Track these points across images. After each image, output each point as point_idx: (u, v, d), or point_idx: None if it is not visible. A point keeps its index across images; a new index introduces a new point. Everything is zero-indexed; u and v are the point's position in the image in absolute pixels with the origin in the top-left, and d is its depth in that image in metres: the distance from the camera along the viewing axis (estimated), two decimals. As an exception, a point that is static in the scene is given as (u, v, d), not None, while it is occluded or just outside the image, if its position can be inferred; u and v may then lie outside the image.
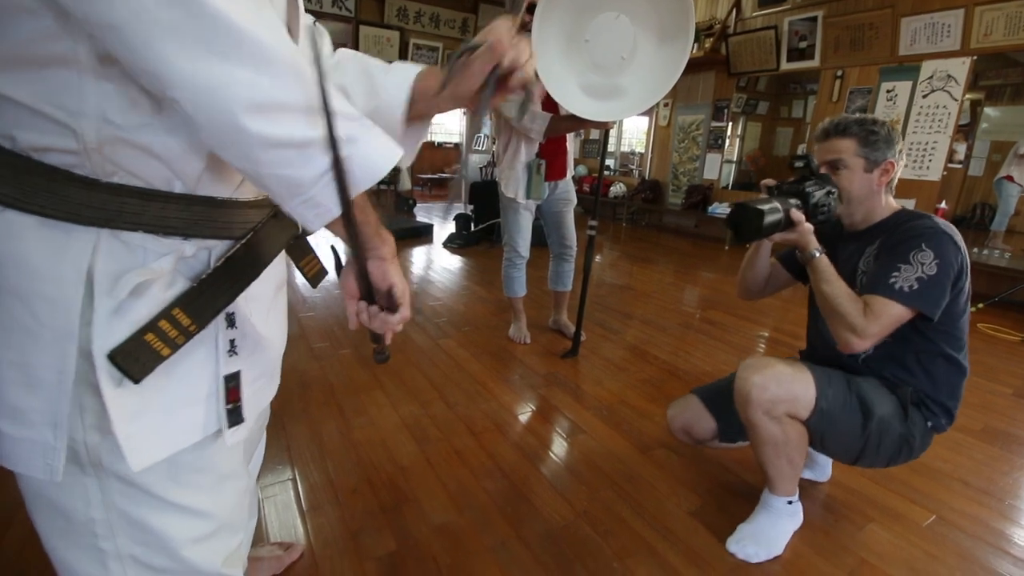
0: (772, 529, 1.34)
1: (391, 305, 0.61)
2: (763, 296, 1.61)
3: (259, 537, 1.25)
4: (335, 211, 0.51)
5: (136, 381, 0.50)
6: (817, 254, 1.25)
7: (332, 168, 0.49)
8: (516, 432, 1.81)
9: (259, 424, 0.93)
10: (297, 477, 1.50)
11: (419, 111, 0.69)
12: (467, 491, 1.47)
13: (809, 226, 1.25)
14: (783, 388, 1.23)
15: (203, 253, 0.56)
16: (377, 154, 0.53)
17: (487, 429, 1.80)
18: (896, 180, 1.31)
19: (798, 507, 1.37)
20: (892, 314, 1.17)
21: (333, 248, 0.66)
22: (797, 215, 1.24)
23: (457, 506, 1.41)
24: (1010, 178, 4.89)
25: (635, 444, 1.75)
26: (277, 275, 0.72)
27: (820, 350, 1.43)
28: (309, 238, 0.80)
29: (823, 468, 1.59)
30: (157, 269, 0.51)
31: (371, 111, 0.66)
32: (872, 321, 1.17)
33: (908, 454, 1.30)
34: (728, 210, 5.37)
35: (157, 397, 0.54)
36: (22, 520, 1.25)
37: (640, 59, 1.84)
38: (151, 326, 0.51)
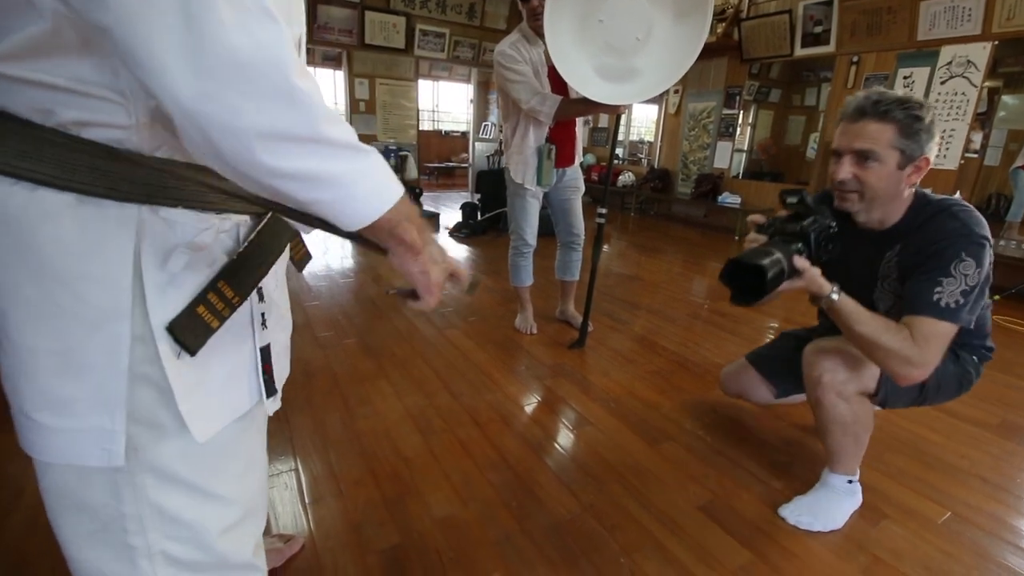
0: (830, 504, 1.36)
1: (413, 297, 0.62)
2: (765, 303, 1.51)
3: (261, 528, 1.24)
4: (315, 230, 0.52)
5: (192, 353, 0.51)
6: (836, 297, 1.14)
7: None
8: (522, 423, 1.79)
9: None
10: (299, 468, 1.49)
11: None
12: (471, 483, 1.45)
13: (816, 270, 1.14)
14: (853, 367, 1.25)
15: (234, 230, 0.57)
16: (361, 199, 0.50)
17: (492, 420, 1.78)
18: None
19: (858, 487, 1.39)
20: (943, 334, 1.11)
21: (398, 289, 0.67)
22: (801, 263, 1.11)
23: (461, 498, 1.39)
24: (1025, 168, 4.78)
25: (643, 437, 1.72)
26: (284, 254, 0.71)
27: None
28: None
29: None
30: (200, 243, 0.52)
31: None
32: (925, 347, 1.10)
33: (968, 384, 1.36)
34: (740, 200, 5.23)
35: (210, 370, 0.55)
36: (25, 506, 1.24)
37: (656, 39, 1.78)
38: (202, 298, 0.52)
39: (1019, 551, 1.31)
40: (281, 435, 1.61)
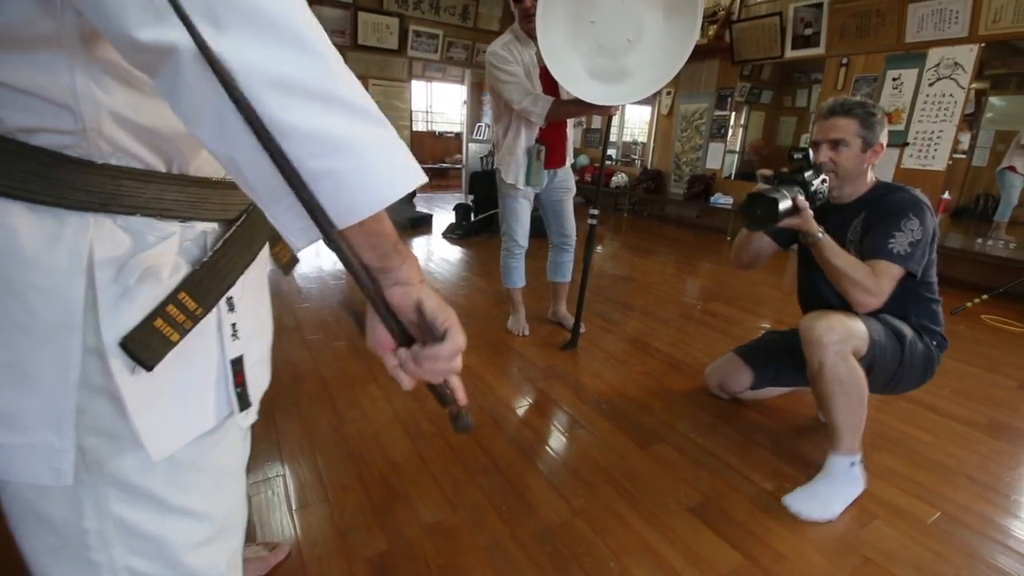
0: (828, 491, 1.43)
1: (431, 335, 0.48)
2: (755, 266, 1.81)
3: (245, 537, 1.22)
4: (315, 235, 0.42)
5: (149, 368, 0.48)
6: (821, 235, 1.43)
7: (282, 176, 0.39)
8: (513, 427, 1.78)
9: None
10: (287, 473, 1.47)
11: None
12: (461, 488, 1.44)
13: (811, 212, 1.41)
14: (846, 327, 1.42)
15: (201, 238, 0.54)
16: (381, 176, 0.42)
17: (483, 424, 1.76)
18: (881, 156, 1.50)
19: (858, 473, 1.46)
20: (892, 273, 1.41)
21: (351, 310, 0.58)
22: (803, 202, 1.39)
23: (450, 504, 1.38)
24: (1013, 168, 4.83)
25: (635, 439, 1.71)
26: (263, 258, 0.69)
27: (819, 305, 1.60)
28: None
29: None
30: (159, 253, 0.49)
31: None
32: (881, 281, 1.40)
33: (931, 371, 1.57)
34: (732, 201, 5.31)
35: (170, 385, 0.52)
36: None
37: (647, 40, 1.78)
38: (159, 311, 0.49)
39: (1008, 551, 1.31)
40: (268, 440, 1.59)
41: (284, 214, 0.42)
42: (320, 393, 1.90)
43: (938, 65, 4.00)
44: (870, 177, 1.54)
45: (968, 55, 3.83)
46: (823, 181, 1.45)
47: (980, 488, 1.55)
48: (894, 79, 4.28)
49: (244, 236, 0.58)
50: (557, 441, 1.71)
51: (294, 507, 1.34)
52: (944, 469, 1.63)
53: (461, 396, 0.55)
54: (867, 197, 1.53)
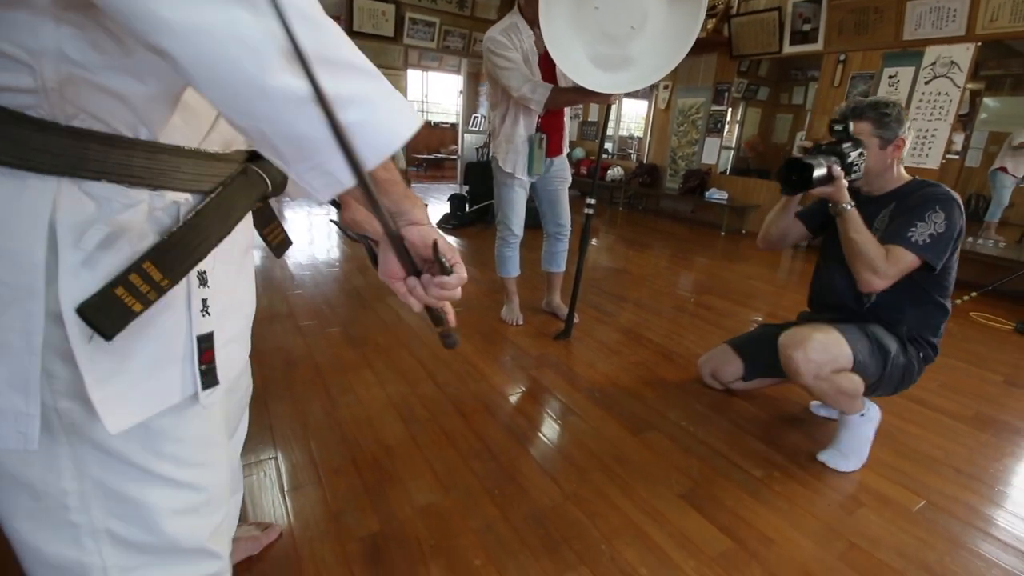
0: (855, 441, 1.57)
1: (442, 268, 0.56)
2: (782, 247, 1.85)
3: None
4: (346, 181, 0.46)
5: (108, 337, 0.47)
6: (849, 207, 1.45)
7: (332, 132, 0.43)
8: (506, 413, 1.78)
9: (242, 398, 0.89)
10: (279, 456, 1.47)
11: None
12: (454, 472, 1.44)
13: (845, 182, 1.44)
14: (824, 355, 1.46)
15: (172, 208, 0.53)
16: (394, 120, 0.48)
17: (476, 410, 1.77)
18: (906, 153, 1.51)
19: (870, 413, 1.58)
20: (907, 261, 1.42)
21: (365, 238, 0.63)
22: (837, 171, 1.42)
23: (443, 487, 1.38)
24: (1004, 169, 4.86)
25: (627, 426, 1.73)
26: (245, 237, 0.68)
27: (828, 299, 1.69)
28: (279, 207, 0.76)
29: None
30: (126, 220, 0.48)
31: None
32: (891, 265, 1.42)
33: (909, 381, 1.60)
34: (727, 196, 5.36)
35: (132, 357, 0.51)
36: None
37: (651, 27, 1.77)
38: (121, 279, 0.48)
39: (991, 538, 1.33)
40: (261, 423, 1.59)
41: (309, 172, 0.46)
42: (313, 378, 1.90)
43: (934, 63, 4.02)
44: (899, 172, 1.54)
45: (964, 54, 3.85)
46: (860, 154, 1.46)
47: (965, 479, 1.58)
48: (890, 76, 4.30)
49: (219, 209, 0.56)
50: (550, 428, 1.72)
51: (286, 489, 1.34)
52: (931, 460, 1.66)
53: (452, 319, 0.63)
54: (900, 190, 1.54)
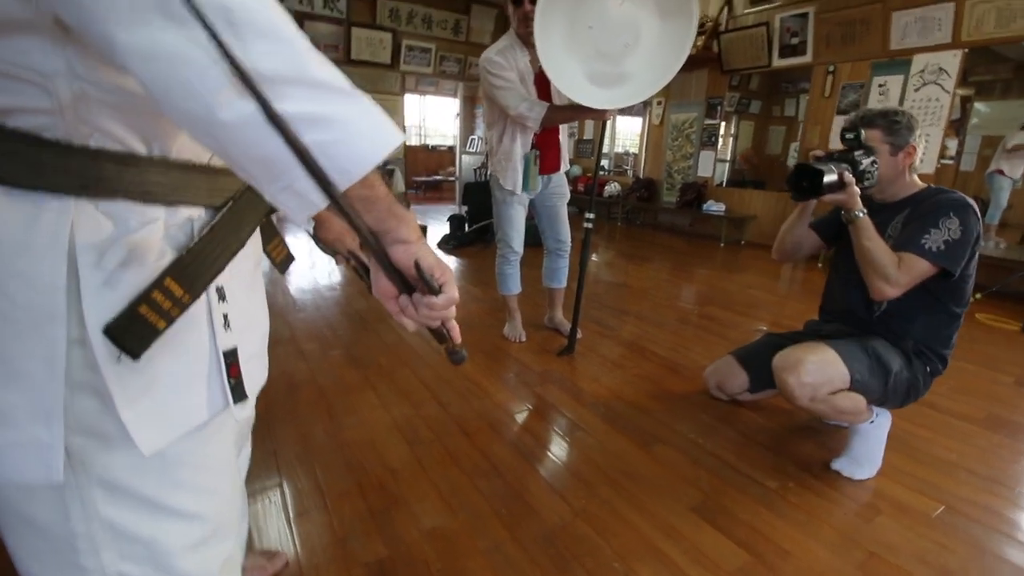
0: (867, 448, 1.55)
1: (429, 288, 0.53)
2: (795, 258, 1.84)
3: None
4: (319, 202, 0.44)
5: (135, 357, 0.47)
6: (861, 215, 1.43)
7: (292, 151, 0.41)
8: (511, 431, 1.76)
9: (245, 424, 0.88)
10: (284, 482, 1.44)
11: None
12: (460, 492, 1.42)
13: (857, 189, 1.42)
14: (819, 377, 1.43)
15: (187, 224, 0.53)
16: (369, 138, 0.45)
17: (481, 429, 1.75)
18: (918, 160, 1.50)
19: (880, 419, 1.55)
20: (920, 268, 1.39)
21: (353, 254, 0.61)
22: (849, 177, 1.41)
23: (450, 508, 1.36)
24: (1001, 172, 4.89)
25: (634, 440, 1.70)
26: (255, 251, 0.68)
27: (838, 307, 1.69)
28: (280, 226, 0.76)
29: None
30: (143, 238, 0.48)
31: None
32: (903, 273, 1.39)
33: (915, 395, 1.56)
34: (724, 208, 5.36)
35: (159, 376, 0.51)
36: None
37: (644, 44, 1.80)
38: (144, 297, 0.47)
39: (1015, 542, 1.30)
40: (265, 449, 1.57)
41: (282, 193, 0.44)
42: (317, 401, 1.88)
43: (923, 71, 4.07)
44: (912, 179, 1.53)
45: (952, 60, 3.90)
46: (873, 162, 1.45)
47: (982, 481, 1.54)
48: (880, 85, 4.35)
49: (231, 222, 0.57)
50: (556, 444, 1.70)
51: (292, 515, 1.32)
52: (946, 464, 1.63)
53: (456, 336, 0.60)
54: (914, 197, 1.51)
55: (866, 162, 1.45)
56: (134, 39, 0.37)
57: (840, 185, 1.40)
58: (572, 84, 1.88)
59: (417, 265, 0.51)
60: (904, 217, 1.50)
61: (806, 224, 1.70)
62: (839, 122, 4.68)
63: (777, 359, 1.51)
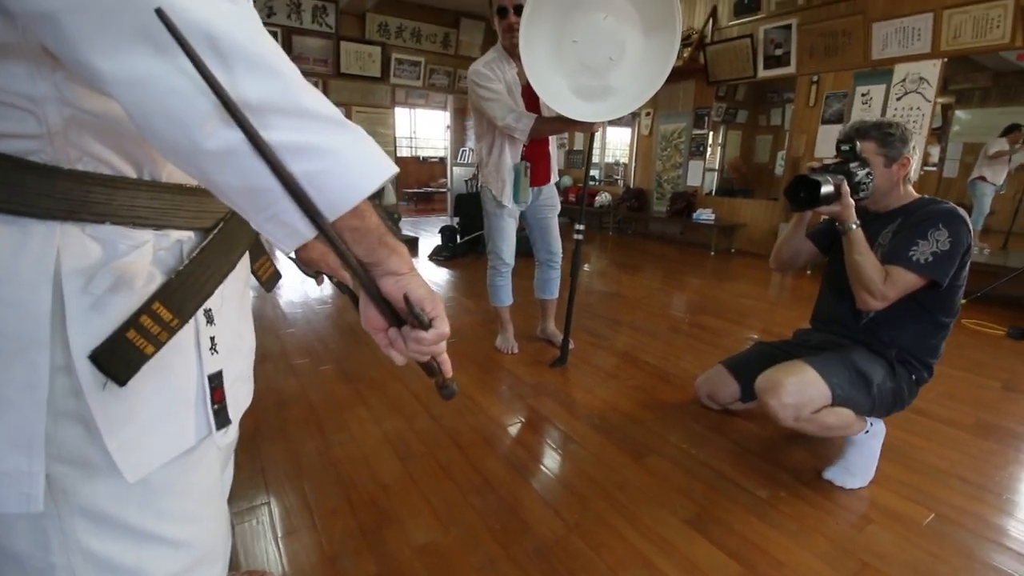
0: (861, 458, 1.56)
1: (419, 322, 0.51)
2: (793, 267, 1.84)
3: (229, 566, 1.17)
4: (307, 232, 0.44)
5: (122, 383, 0.46)
6: (855, 227, 1.45)
7: (279, 181, 0.41)
8: (504, 444, 1.75)
9: (231, 443, 0.86)
10: (271, 501, 1.42)
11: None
12: (453, 508, 1.41)
13: (852, 201, 1.44)
14: (800, 397, 1.44)
15: (176, 247, 0.52)
16: (360, 169, 0.44)
17: (474, 442, 1.74)
18: (912, 171, 1.51)
19: (876, 429, 1.56)
20: (907, 281, 1.42)
21: (340, 283, 0.61)
22: (845, 189, 1.43)
23: (442, 524, 1.34)
24: (983, 178, 4.98)
25: (628, 452, 1.70)
26: (243, 273, 0.67)
27: (829, 314, 1.71)
28: (270, 244, 0.75)
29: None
30: (132, 262, 0.47)
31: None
32: (890, 287, 1.42)
33: (901, 404, 1.57)
34: (714, 216, 5.40)
35: (145, 402, 0.50)
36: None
37: (629, 58, 1.82)
38: (132, 323, 0.47)
39: (1005, 550, 1.30)
40: (252, 467, 1.55)
41: (268, 223, 0.44)
42: (307, 418, 1.86)
43: (904, 80, 4.15)
44: (907, 190, 1.54)
45: (932, 70, 3.99)
46: (868, 174, 1.48)
47: (973, 488, 1.55)
48: (863, 95, 4.43)
49: (221, 245, 0.56)
50: (550, 457, 1.69)
51: (280, 535, 1.30)
52: (936, 471, 1.64)
53: (447, 369, 0.59)
54: (906, 208, 1.53)
55: (861, 174, 1.47)
56: (117, 67, 0.36)
57: (836, 196, 1.42)
58: (557, 97, 1.90)
59: (406, 298, 0.50)
60: (895, 227, 1.51)
61: (803, 234, 1.73)
62: (824, 131, 4.76)
63: (758, 381, 1.52)
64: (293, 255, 0.80)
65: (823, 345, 1.68)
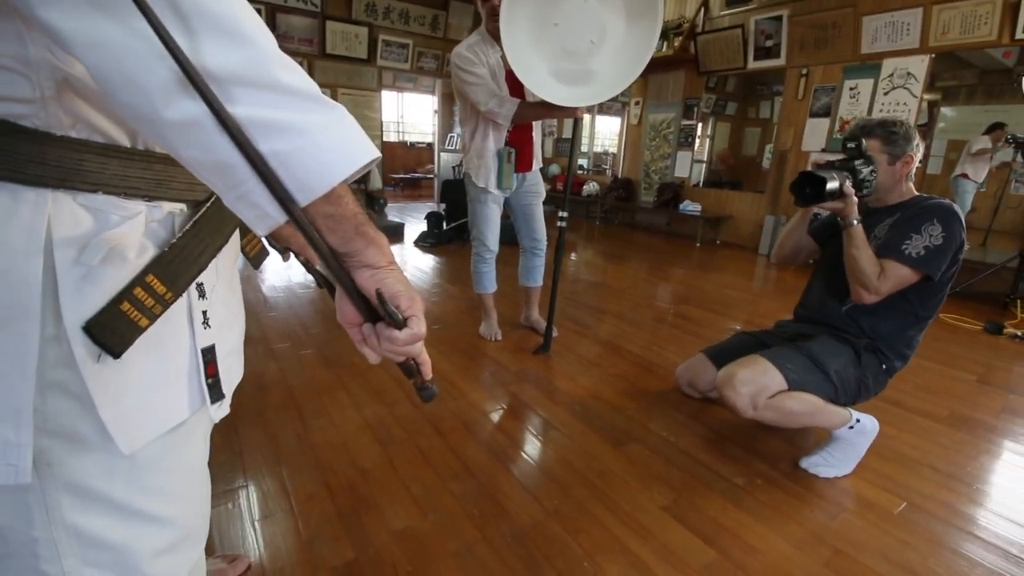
0: (843, 452, 1.56)
1: (392, 320, 0.48)
2: (794, 262, 1.86)
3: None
4: (276, 216, 0.42)
5: (116, 355, 0.45)
6: (856, 222, 1.47)
7: (244, 159, 0.39)
8: (485, 431, 1.75)
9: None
10: (249, 484, 1.41)
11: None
12: (432, 494, 1.40)
13: (855, 199, 1.47)
14: (752, 386, 1.48)
15: (168, 219, 0.51)
16: (337, 151, 0.42)
17: (455, 429, 1.73)
18: (914, 169, 1.53)
19: (864, 424, 1.55)
20: (901, 274, 1.45)
21: (315, 270, 0.59)
22: (849, 188, 1.46)
23: (421, 510, 1.34)
24: (965, 175, 5.06)
25: (608, 439, 1.70)
26: (233, 248, 0.66)
27: (816, 304, 1.74)
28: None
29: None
30: (124, 233, 0.46)
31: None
32: (883, 281, 1.45)
33: (867, 393, 1.61)
34: (700, 208, 5.42)
35: (139, 374, 0.49)
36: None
37: (610, 43, 1.80)
38: (126, 294, 0.46)
39: (972, 537, 1.34)
40: (230, 450, 1.53)
41: (238, 202, 0.42)
42: (286, 402, 1.84)
43: (892, 75, 4.17)
44: (910, 187, 1.57)
45: (920, 65, 4.01)
46: (872, 172, 1.50)
47: (944, 478, 1.59)
48: (851, 88, 4.45)
49: (214, 219, 0.55)
50: (530, 444, 1.69)
51: (256, 518, 1.28)
52: (909, 461, 1.67)
53: (427, 371, 0.56)
54: (905, 203, 1.56)
55: (865, 171, 1.49)
56: (75, 27, 0.34)
57: (840, 193, 1.45)
58: (537, 81, 1.88)
59: (379, 294, 0.47)
60: (892, 221, 1.54)
61: (805, 228, 1.75)
62: (812, 124, 4.78)
63: (717, 378, 1.56)
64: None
65: (796, 335, 1.72)
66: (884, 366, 1.58)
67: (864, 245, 1.47)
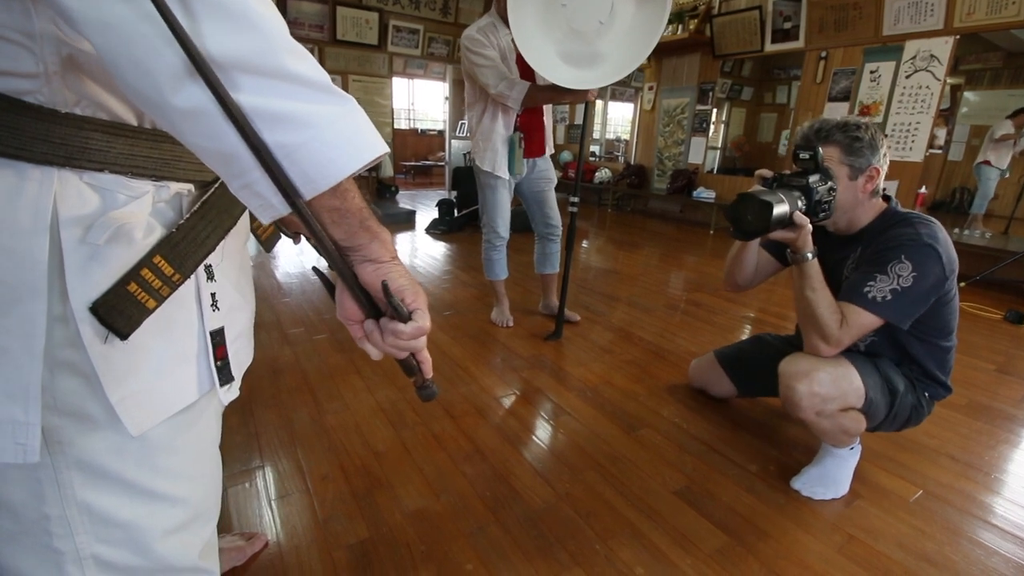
0: (838, 471, 1.40)
1: (397, 313, 0.48)
2: (753, 286, 1.60)
3: (221, 527, 1.18)
4: (280, 207, 0.41)
5: (124, 337, 0.45)
6: (810, 257, 1.23)
7: (249, 150, 0.38)
8: (497, 415, 1.75)
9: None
10: (265, 465, 1.43)
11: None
12: (444, 476, 1.41)
13: (810, 227, 1.21)
14: (832, 390, 1.26)
15: (175, 200, 0.51)
16: (344, 146, 0.41)
17: (467, 412, 1.74)
18: (881, 185, 1.28)
19: (858, 447, 1.42)
20: (863, 323, 1.22)
21: (316, 269, 0.59)
22: (801, 218, 1.18)
23: (433, 491, 1.35)
24: (988, 163, 4.93)
25: (620, 425, 1.70)
26: (244, 229, 0.66)
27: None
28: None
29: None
30: (131, 213, 0.46)
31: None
32: (844, 331, 1.22)
33: (917, 419, 1.39)
34: (715, 195, 5.30)
35: (147, 356, 0.49)
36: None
37: (618, 23, 1.77)
38: (133, 275, 0.46)
39: (989, 526, 1.32)
40: (246, 432, 1.55)
41: (242, 191, 0.42)
42: (300, 386, 1.86)
43: (914, 57, 4.06)
44: (875, 202, 1.31)
45: (943, 47, 3.89)
46: (830, 190, 1.22)
47: (961, 467, 1.57)
48: (872, 72, 4.34)
49: (223, 199, 0.55)
50: (542, 428, 1.70)
51: (272, 497, 1.31)
52: (926, 449, 1.65)
53: (428, 369, 0.56)
54: (868, 229, 1.30)
55: (823, 189, 1.21)
56: (85, 6, 0.34)
57: (790, 220, 1.18)
58: (547, 63, 1.85)
59: (385, 287, 0.47)
60: (858, 256, 1.31)
61: (753, 254, 1.49)
62: (830, 108, 4.68)
63: (785, 364, 1.32)
64: None
65: None
66: (927, 394, 1.38)
67: (821, 285, 1.22)
